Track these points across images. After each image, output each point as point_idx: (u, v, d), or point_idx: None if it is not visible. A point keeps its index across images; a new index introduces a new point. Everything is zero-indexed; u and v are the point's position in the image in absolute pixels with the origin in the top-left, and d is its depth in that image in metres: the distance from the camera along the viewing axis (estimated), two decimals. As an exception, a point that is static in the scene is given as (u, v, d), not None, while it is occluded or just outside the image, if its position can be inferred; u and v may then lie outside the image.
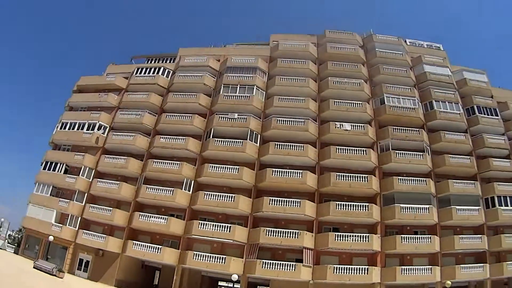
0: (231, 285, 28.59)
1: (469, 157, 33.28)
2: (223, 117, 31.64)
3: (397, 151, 30.82)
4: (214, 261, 26.93)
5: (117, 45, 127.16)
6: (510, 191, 33.88)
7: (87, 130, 33.45)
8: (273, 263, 26.67)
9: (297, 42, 36.86)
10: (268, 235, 27.52)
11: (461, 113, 34.94)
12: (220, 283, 40.96)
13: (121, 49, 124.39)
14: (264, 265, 26.55)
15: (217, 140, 30.53)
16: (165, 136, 31.84)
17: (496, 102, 38.39)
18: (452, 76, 37.32)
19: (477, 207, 31.62)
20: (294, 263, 26.93)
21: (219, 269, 26.97)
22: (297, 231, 27.74)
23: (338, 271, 27.06)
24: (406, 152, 31.18)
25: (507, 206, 33.19)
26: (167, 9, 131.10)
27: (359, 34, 38.80)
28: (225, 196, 28.73)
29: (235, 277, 25.35)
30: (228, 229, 27.70)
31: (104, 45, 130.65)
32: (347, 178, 29.37)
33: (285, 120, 31.26)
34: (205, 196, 28.68)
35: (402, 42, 38.59)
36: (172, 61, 38.26)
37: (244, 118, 31.28)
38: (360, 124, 31.27)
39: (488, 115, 36.45)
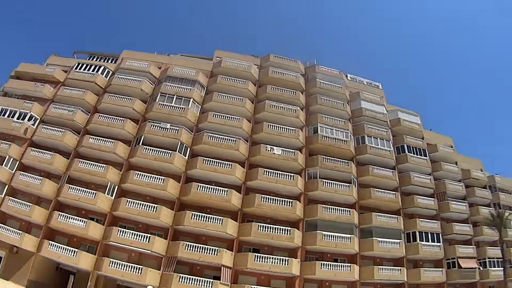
0: None
1: (394, 192, 39.05)
2: (155, 126, 34.68)
3: (324, 180, 35.74)
4: (131, 271, 29.19)
5: (70, 36, 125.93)
6: (431, 227, 39.70)
7: (17, 119, 35.29)
8: (190, 278, 29.58)
9: (240, 62, 41.92)
10: (188, 249, 30.65)
11: (391, 151, 40.66)
12: None
13: (72, 41, 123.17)
14: (180, 280, 29.38)
15: (146, 148, 33.43)
16: (95, 137, 34.72)
17: (426, 143, 44.95)
18: (387, 115, 43.26)
19: (398, 240, 37.36)
20: (211, 280, 29.54)
21: (135, 279, 29.33)
22: (217, 248, 30.64)
23: None
24: (333, 181, 36.49)
25: (428, 241, 38.89)
26: (127, 8, 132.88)
27: (303, 63, 43.87)
28: (147, 205, 31.59)
29: None
30: (148, 239, 30.34)
31: (55, 34, 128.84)
32: (272, 201, 33.74)
33: (217, 137, 35.39)
34: (128, 203, 31.42)
35: (343, 76, 44.40)
36: (114, 62, 41.69)
37: (176, 129, 34.55)
38: (291, 150, 35.86)
39: (417, 155, 42.05)
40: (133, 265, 29.24)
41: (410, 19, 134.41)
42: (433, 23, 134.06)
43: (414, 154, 42.93)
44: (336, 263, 33.52)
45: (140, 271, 28.98)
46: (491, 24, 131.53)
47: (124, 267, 29.11)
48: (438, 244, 39.79)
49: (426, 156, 44.05)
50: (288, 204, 33.55)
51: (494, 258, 46.60)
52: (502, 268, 40.78)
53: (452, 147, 50.30)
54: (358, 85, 46.94)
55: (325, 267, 32.74)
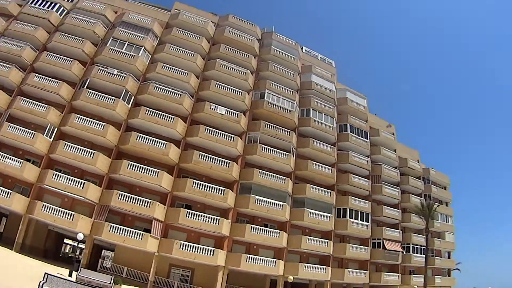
0: (76, 244, 30.03)
1: (331, 168, 41.71)
2: (103, 70, 34.63)
3: (264, 146, 37.66)
4: (63, 216, 29.13)
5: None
6: (362, 207, 43.00)
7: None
8: (121, 228, 30.11)
9: (198, 17, 42.16)
10: (121, 199, 30.96)
11: (334, 127, 43.20)
12: (66, 241, 41.70)
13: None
14: (111, 229, 29.88)
15: (91, 92, 33.43)
16: (40, 76, 33.60)
17: (369, 126, 47.59)
18: (335, 92, 45.87)
19: (329, 214, 40.10)
20: (142, 232, 30.53)
21: (67, 226, 29.36)
22: (150, 200, 31.31)
23: (184, 247, 31.47)
24: (272, 148, 38.15)
25: (357, 219, 42.06)
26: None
27: (261, 28, 45.33)
28: (85, 151, 31.36)
29: (80, 236, 28.20)
30: (82, 186, 30.00)
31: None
32: (209, 160, 34.83)
33: (163, 89, 35.74)
34: (65, 147, 31.14)
35: (299, 47, 46.33)
36: (71, 0, 39.04)
37: (123, 76, 34.82)
38: (235, 112, 37.09)
39: (358, 135, 45.16)
40: (66, 211, 29.12)
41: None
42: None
43: (355, 134, 45.76)
44: (265, 228, 35.54)
45: (72, 218, 28.96)
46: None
47: (56, 212, 28.96)
48: (367, 223, 43.16)
49: (367, 139, 47.17)
50: (225, 164, 34.79)
51: (417, 245, 51.33)
52: (424, 256, 44.91)
53: (393, 134, 54.10)
54: (311, 59, 48.86)
55: (254, 230, 34.68)
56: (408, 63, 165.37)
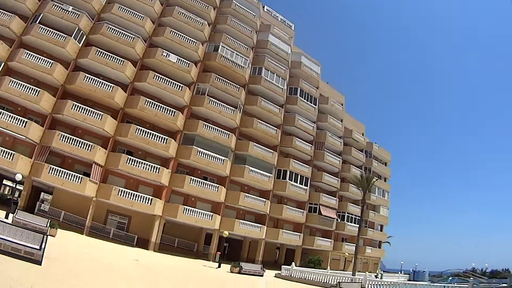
0: (15, 186, 30.55)
1: (276, 129, 43.59)
2: (57, 6, 33.66)
3: (212, 98, 39.04)
4: (2, 156, 28.64)
5: None
6: (302, 170, 45.96)
7: None
8: (60, 170, 30.47)
9: None
10: (62, 140, 31.06)
11: (284, 89, 45.37)
12: (5, 182, 41.63)
13: None
14: (51, 171, 30.16)
15: (42, 28, 32.66)
16: None
17: (319, 94, 49.74)
18: (290, 55, 48.28)
19: (269, 174, 42.65)
20: (81, 175, 31.05)
21: (6, 165, 29.03)
22: (91, 144, 31.62)
23: (122, 194, 32.60)
24: (220, 102, 39.59)
25: (296, 182, 44.27)
26: None
27: None
28: (30, 88, 30.84)
29: (19, 176, 28.02)
30: (24, 124, 29.60)
31: None
32: (155, 107, 35.76)
33: (117, 31, 35.56)
34: (10, 83, 30.22)
35: (260, 6, 48.17)
36: None
37: (77, 14, 34.24)
38: (187, 61, 38.08)
39: (307, 101, 47.69)
40: (6, 150, 28.88)
41: None
42: None
43: (304, 99, 48.29)
44: (205, 181, 37.43)
45: (11, 157, 28.75)
46: None
47: (-4, 151, 28.91)
48: (305, 187, 46.50)
49: (316, 105, 49.89)
50: (171, 113, 35.82)
51: (352, 215, 55.81)
52: (358, 226, 48.72)
53: (342, 105, 57.26)
54: (271, 19, 50.09)
55: (194, 182, 36.43)
56: (373, 40, 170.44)
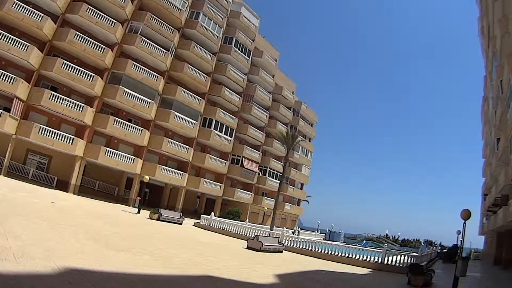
0: None
1: (206, 76, 46.48)
2: None
3: (144, 38, 40.58)
4: None
5: None
6: (228, 121, 49.41)
7: None
8: None
9: None
10: None
11: (219, 37, 48.20)
12: None
13: None
14: None
15: None
16: None
17: (254, 46, 52.86)
18: (230, 3, 50.16)
19: (194, 121, 45.52)
20: (1, 110, 31.13)
21: None
22: (14, 76, 31.50)
23: (44, 132, 33.61)
24: (152, 43, 41.30)
25: (221, 132, 47.66)
26: None
27: None
28: None
29: None
30: None
31: None
32: (85, 42, 36.37)
33: None
34: None
35: None
36: None
37: None
38: None
39: (241, 52, 50.96)
40: None
41: None
42: None
43: (239, 50, 51.28)
44: (129, 123, 39.48)
45: None
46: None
47: None
48: (230, 138, 50.36)
49: (249, 58, 53.17)
50: (100, 49, 36.81)
51: (274, 170, 61.11)
52: (278, 182, 53.14)
53: (276, 61, 60.97)
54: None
55: (117, 124, 38.34)
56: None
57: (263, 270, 15.23)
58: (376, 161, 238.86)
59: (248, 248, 23.38)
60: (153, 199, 44.97)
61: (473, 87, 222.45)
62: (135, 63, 39.85)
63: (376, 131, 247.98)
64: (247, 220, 44.92)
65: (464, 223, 16.91)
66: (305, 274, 16.88)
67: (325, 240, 52.43)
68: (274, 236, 28.41)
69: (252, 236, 27.38)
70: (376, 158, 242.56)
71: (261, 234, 28.28)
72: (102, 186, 41.12)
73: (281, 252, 25.07)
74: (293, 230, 52.94)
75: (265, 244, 23.46)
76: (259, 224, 54.23)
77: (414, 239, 67.95)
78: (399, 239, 68.45)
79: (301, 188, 74.09)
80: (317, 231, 63.03)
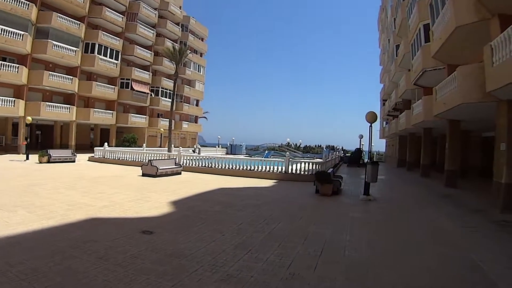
0: None
1: None
2: None
3: None
4: None
5: None
6: (112, 43, 49.25)
7: None
8: None
9: None
10: None
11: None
12: None
13: None
14: None
15: None
16: None
17: None
18: None
19: (75, 48, 45.01)
20: None
21: None
22: None
23: None
24: None
25: (106, 56, 47.79)
26: None
27: None
28: None
29: None
30: None
31: None
32: None
33: None
34: None
35: None
36: None
37: None
38: None
39: None
40: None
41: None
42: None
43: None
44: (3, 62, 37.38)
45: None
46: None
47: None
48: (116, 61, 50.58)
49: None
50: None
51: (167, 89, 62.35)
52: (171, 100, 54.82)
53: (161, -27, 60.10)
54: None
55: (-10, 65, 36.65)
56: None
57: (157, 199, 14.98)
58: (273, 73, 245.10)
59: (143, 175, 23.56)
60: (47, 140, 44.64)
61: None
62: (-1, -9, 37.48)
63: (269, 43, 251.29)
64: (145, 145, 46.43)
65: (370, 126, 17.83)
66: (203, 196, 16.62)
67: (227, 154, 56.75)
68: (171, 157, 28.90)
69: (146, 161, 26.80)
70: (273, 70, 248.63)
71: (156, 158, 28.65)
72: (-14, 137, 40.14)
73: (180, 174, 25.73)
74: (193, 149, 54.35)
75: (160, 168, 23.75)
76: (158, 147, 56.52)
77: (316, 145, 72.35)
78: (300, 146, 71.67)
79: (197, 105, 76.40)
80: (218, 147, 65.99)
